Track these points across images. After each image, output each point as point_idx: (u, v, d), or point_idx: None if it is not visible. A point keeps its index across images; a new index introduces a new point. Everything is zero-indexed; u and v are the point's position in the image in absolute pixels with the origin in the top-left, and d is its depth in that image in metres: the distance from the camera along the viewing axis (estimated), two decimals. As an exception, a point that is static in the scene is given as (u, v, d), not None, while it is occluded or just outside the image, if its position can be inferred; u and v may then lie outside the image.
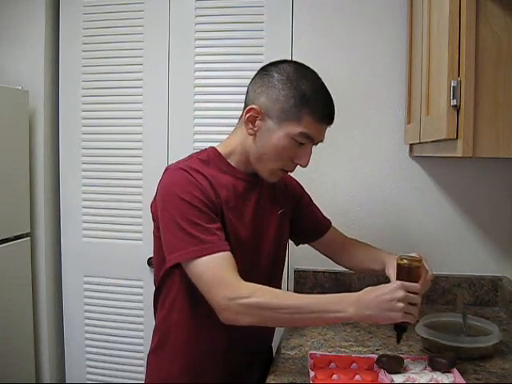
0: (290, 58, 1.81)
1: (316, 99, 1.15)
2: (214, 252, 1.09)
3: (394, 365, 1.16)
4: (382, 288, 1.08)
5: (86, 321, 2.11)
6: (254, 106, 1.16)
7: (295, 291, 1.85)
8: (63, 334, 2.14)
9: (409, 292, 1.08)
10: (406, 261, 1.15)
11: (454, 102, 1.02)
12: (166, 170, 1.21)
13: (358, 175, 1.85)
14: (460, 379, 1.11)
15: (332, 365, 1.19)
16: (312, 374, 1.14)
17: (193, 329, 1.22)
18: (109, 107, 2.04)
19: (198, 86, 1.94)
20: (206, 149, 1.28)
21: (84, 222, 2.08)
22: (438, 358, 1.17)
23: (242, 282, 1.08)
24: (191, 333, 1.22)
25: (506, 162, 1.70)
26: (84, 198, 2.08)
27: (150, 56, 1.98)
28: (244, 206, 1.22)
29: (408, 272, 1.14)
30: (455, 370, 1.14)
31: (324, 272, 1.81)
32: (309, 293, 1.84)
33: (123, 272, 2.07)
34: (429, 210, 1.81)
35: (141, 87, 2.00)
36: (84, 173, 2.08)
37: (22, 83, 2.03)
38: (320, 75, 1.10)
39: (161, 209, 1.16)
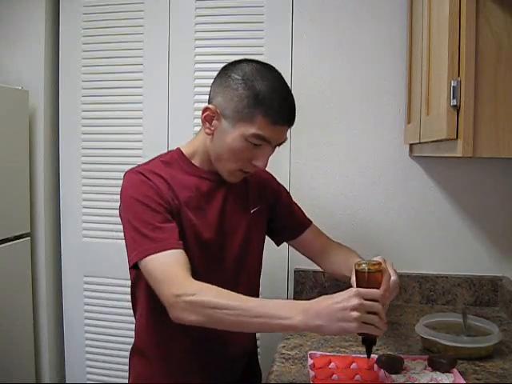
0: (289, 58, 1.85)
1: (271, 100, 1.10)
2: (164, 249, 1.07)
3: (394, 365, 1.16)
4: (337, 296, 0.99)
5: (86, 321, 2.10)
6: (209, 106, 1.16)
7: (295, 291, 1.86)
8: (63, 334, 2.14)
9: (368, 300, 0.98)
10: (363, 265, 1.06)
11: (454, 102, 1.02)
12: (125, 174, 1.21)
13: (358, 175, 1.85)
14: (460, 379, 1.11)
15: (332, 365, 1.19)
16: (312, 373, 1.14)
17: (163, 333, 1.22)
18: (109, 107, 2.04)
19: (198, 86, 1.93)
20: (171, 150, 1.27)
21: (84, 222, 2.08)
22: (437, 357, 1.17)
23: (191, 279, 1.05)
24: (162, 337, 1.22)
25: (506, 161, 1.70)
26: (84, 198, 2.08)
27: (150, 56, 1.98)
28: (208, 206, 1.21)
29: (367, 278, 1.05)
30: (455, 370, 1.14)
31: (324, 272, 1.81)
32: (309, 293, 1.84)
33: (123, 272, 2.03)
34: (429, 209, 1.81)
35: (141, 87, 2.00)
36: (84, 173, 2.07)
37: (22, 83, 2.03)
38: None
39: (120, 212, 1.17)
